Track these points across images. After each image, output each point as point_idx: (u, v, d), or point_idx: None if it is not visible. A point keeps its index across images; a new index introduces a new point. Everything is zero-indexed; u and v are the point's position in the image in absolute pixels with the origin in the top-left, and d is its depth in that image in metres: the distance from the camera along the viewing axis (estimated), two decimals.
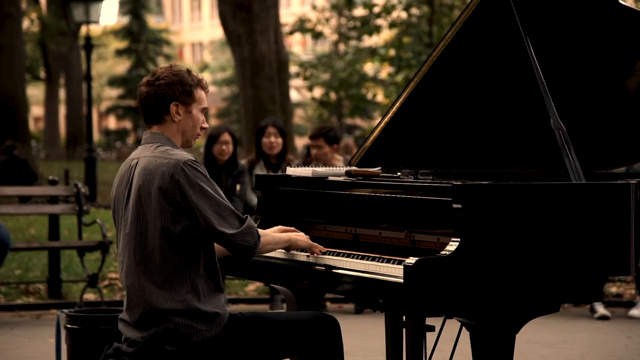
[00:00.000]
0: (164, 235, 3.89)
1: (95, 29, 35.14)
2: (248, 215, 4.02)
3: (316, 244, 4.25)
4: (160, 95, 4.01)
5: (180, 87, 4.02)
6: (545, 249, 3.80)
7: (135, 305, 3.94)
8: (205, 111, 4.14)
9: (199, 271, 3.93)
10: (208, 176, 3.95)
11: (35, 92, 47.64)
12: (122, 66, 46.75)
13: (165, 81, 4.01)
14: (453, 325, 4.28)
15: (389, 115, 4.72)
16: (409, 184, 4.18)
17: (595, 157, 5.02)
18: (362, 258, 4.04)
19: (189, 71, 4.08)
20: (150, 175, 3.93)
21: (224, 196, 3.97)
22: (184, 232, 3.90)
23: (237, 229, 3.94)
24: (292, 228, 4.29)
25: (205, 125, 4.14)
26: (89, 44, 20.31)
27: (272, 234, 4.19)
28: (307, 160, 9.34)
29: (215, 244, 4.02)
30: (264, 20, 14.78)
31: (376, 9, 21.84)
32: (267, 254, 4.31)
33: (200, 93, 4.08)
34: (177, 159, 3.91)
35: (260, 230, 4.05)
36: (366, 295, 4.02)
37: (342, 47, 30.73)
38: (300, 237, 4.24)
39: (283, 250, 4.31)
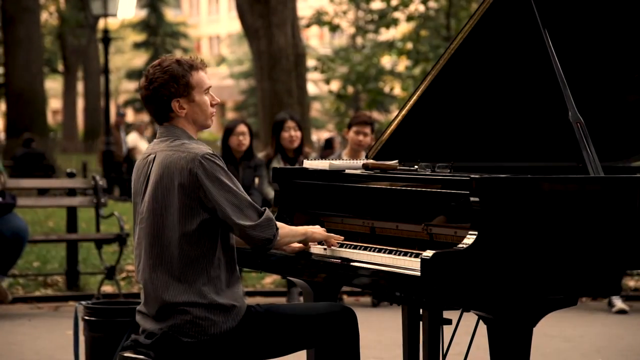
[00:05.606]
0: (182, 229, 3.90)
1: (113, 22, 35.12)
2: (267, 208, 4.02)
3: (333, 234, 4.26)
4: (158, 97, 3.99)
5: (174, 84, 3.97)
6: (563, 242, 3.79)
7: (153, 300, 3.95)
8: (209, 89, 4.06)
9: (215, 263, 3.93)
10: (226, 169, 3.96)
11: (53, 85, 47.75)
12: (139, 59, 46.79)
13: (158, 83, 3.97)
14: (470, 318, 4.27)
15: (406, 108, 4.71)
16: (426, 177, 4.17)
17: (614, 149, 5.00)
18: (379, 251, 4.04)
19: (178, 61, 4.00)
20: (169, 170, 3.93)
21: (243, 189, 3.98)
22: (201, 225, 3.90)
23: (254, 222, 3.94)
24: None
25: (216, 100, 4.09)
26: (107, 37, 20.37)
27: (290, 227, 4.19)
28: (324, 153, 9.35)
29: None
30: (282, 13, 14.77)
31: (394, 2, 21.76)
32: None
33: (196, 77, 4.01)
34: (195, 153, 3.92)
35: (278, 223, 4.05)
36: (383, 288, 4.01)
37: (359, 40, 30.68)
38: (317, 229, 4.25)
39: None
